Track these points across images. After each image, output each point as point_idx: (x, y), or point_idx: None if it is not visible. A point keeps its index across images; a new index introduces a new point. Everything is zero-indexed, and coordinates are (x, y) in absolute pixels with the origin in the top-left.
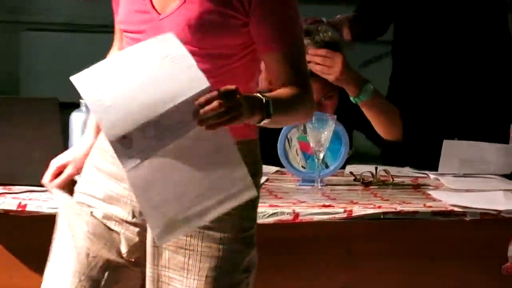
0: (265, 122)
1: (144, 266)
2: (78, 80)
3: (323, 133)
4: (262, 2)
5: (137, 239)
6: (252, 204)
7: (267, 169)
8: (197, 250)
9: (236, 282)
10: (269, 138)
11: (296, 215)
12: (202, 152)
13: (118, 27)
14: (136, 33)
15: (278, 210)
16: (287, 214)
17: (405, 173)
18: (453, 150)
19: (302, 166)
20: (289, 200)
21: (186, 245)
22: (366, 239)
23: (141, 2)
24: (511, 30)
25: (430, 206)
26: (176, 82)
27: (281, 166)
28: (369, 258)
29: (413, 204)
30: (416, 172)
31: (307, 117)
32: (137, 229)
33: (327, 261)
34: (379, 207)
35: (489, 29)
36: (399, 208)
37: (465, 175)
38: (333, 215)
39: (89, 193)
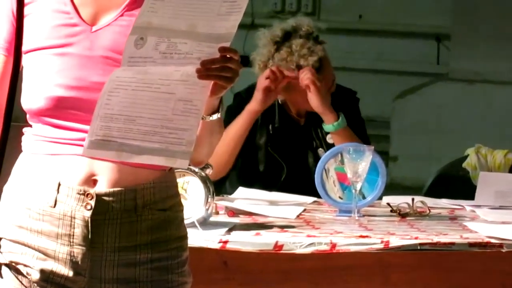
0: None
1: None
2: None
3: (360, 164)
4: None
5: None
6: None
7: (304, 199)
8: None
9: None
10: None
11: (333, 245)
12: (175, 94)
13: (27, 47)
14: (62, 47)
15: (316, 240)
16: (324, 244)
17: (442, 205)
18: (489, 182)
19: (339, 197)
20: (326, 231)
21: None
22: (403, 270)
23: (64, 16)
24: None
25: (467, 238)
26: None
27: (319, 196)
28: None
29: (450, 236)
30: (452, 204)
31: None
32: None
33: None
34: (416, 238)
35: None
36: (436, 239)
37: (500, 207)
38: (370, 246)
39: (21, 252)
